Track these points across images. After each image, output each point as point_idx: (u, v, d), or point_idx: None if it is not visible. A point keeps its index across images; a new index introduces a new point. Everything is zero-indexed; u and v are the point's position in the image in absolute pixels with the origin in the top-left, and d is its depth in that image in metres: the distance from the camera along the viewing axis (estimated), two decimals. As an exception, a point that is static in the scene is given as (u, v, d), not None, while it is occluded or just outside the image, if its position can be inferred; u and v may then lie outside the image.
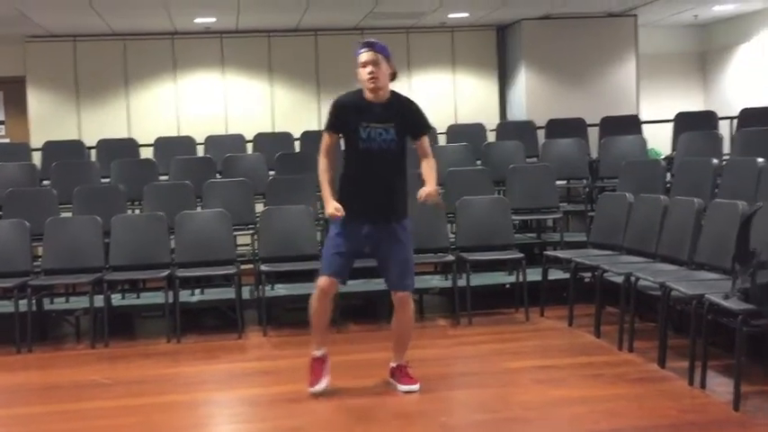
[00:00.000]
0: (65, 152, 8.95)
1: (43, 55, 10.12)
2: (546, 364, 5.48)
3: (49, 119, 10.15)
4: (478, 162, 8.72)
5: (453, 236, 7.26)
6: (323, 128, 4.89)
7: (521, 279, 6.85)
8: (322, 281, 4.74)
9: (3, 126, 10.57)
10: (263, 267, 6.73)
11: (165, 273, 6.58)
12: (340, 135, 4.81)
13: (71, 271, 6.74)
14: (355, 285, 5.82)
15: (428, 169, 4.85)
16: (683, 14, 10.69)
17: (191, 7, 8.87)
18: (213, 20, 9.58)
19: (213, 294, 7.27)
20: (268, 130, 10.14)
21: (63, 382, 5.54)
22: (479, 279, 7.14)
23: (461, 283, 6.78)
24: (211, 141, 9.43)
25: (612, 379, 5.07)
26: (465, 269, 6.76)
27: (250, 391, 5.22)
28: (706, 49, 11.88)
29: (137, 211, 8.00)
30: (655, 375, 5.08)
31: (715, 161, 7.05)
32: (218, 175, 8.41)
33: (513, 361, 5.60)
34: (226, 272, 6.77)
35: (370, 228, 4.72)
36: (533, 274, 6.92)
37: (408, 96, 4.91)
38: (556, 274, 7.10)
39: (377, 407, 4.72)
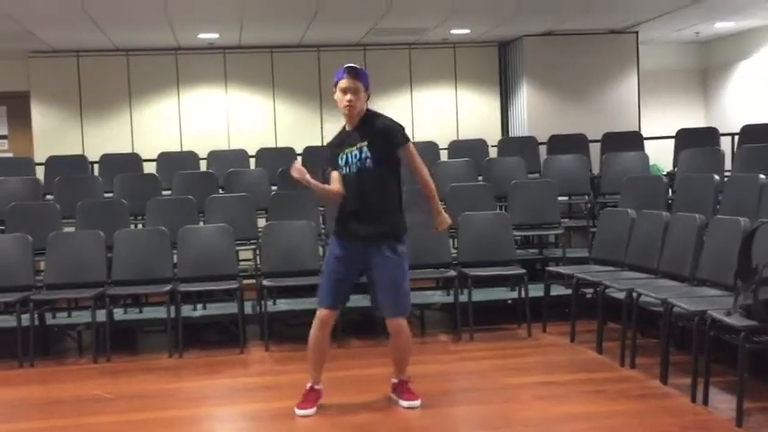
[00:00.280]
0: (68, 167, 8.98)
1: (47, 70, 10.17)
2: (548, 380, 5.47)
3: (53, 133, 10.18)
4: (480, 178, 8.74)
5: (455, 251, 7.26)
6: None
7: (522, 295, 6.85)
8: (322, 313, 4.76)
9: (6, 141, 10.61)
10: (266, 282, 6.73)
11: (168, 287, 6.59)
12: None
13: (73, 285, 6.75)
14: (356, 301, 5.81)
15: (427, 186, 4.82)
16: (684, 31, 10.73)
17: (194, 23, 8.92)
18: (216, 35, 9.62)
19: (215, 309, 7.28)
20: (271, 145, 10.18)
21: (65, 397, 5.54)
22: (481, 294, 7.14)
23: (463, 298, 6.78)
24: (214, 156, 9.46)
25: (614, 395, 5.07)
26: (467, 284, 6.77)
27: (252, 406, 5.22)
28: (707, 65, 11.92)
29: (139, 226, 8.01)
30: (657, 392, 5.07)
31: (716, 177, 7.05)
32: (220, 190, 8.43)
33: (514, 377, 5.60)
34: (228, 287, 6.78)
35: (362, 249, 4.71)
36: (535, 290, 6.93)
37: (381, 114, 4.87)
38: (558, 290, 7.10)
39: (378, 422, 4.72)
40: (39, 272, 7.04)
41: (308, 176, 4.61)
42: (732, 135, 9.39)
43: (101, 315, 6.51)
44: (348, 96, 4.65)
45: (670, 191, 7.87)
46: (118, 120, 10.34)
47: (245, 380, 5.91)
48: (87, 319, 6.62)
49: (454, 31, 9.95)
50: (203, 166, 9.38)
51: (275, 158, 9.15)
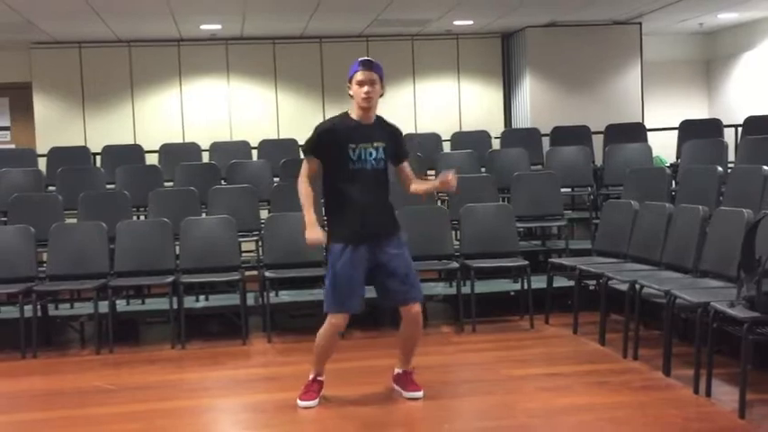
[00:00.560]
0: (70, 158, 8.98)
1: (49, 61, 10.17)
2: (550, 371, 5.47)
3: (55, 125, 10.18)
4: (483, 169, 8.72)
5: (458, 243, 7.25)
6: (303, 154, 4.83)
7: (525, 286, 6.84)
8: (336, 318, 4.67)
9: (9, 132, 10.61)
10: (268, 274, 6.73)
11: (170, 279, 6.59)
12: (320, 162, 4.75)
13: (76, 277, 6.75)
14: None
15: (423, 182, 4.98)
16: (687, 22, 10.70)
17: (196, 14, 8.90)
18: (218, 27, 9.61)
19: (218, 300, 7.29)
20: (273, 136, 10.16)
21: (67, 388, 5.55)
22: (484, 286, 7.14)
23: (466, 290, 6.77)
24: (216, 148, 9.45)
25: (617, 387, 5.06)
26: (469, 276, 6.76)
27: (254, 397, 5.22)
28: (711, 56, 11.88)
29: (142, 218, 8.01)
30: (660, 383, 5.07)
31: (720, 169, 7.04)
32: (222, 182, 8.42)
33: (517, 368, 5.59)
34: (230, 278, 6.78)
35: (371, 248, 4.68)
36: (538, 282, 6.92)
37: (392, 122, 4.91)
38: (560, 282, 7.09)
39: (381, 414, 4.72)
40: (41, 263, 7.03)
41: (323, 241, 4.69)
42: (735, 126, 9.37)
43: (103, 306, 6.52)
44: (366, 88, 4.62)
45: (673, 182, 7.85)
46: (120, 111, 10.33)
47: (247, 371, 5.91)
48: (90, 311, 6.63)
49: (457, 23, 9.93)
50: (205, 157, 9.37)
51: (277, 150, 9.15)
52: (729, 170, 7.36)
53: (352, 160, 4.65)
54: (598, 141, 9.41)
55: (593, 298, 6.44)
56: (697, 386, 4.79)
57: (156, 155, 9.32)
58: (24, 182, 8.30)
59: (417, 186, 4.94)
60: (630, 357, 5.61)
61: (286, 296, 7.30)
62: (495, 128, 10.23)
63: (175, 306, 6.53)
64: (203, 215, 7.53)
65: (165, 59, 10.34)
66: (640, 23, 10.36)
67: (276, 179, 8.40)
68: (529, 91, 10.33)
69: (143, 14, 8.75)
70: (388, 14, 9.12)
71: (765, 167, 6.53)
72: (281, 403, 4.93)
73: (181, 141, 10.09)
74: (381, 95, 4.74)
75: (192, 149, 9.43)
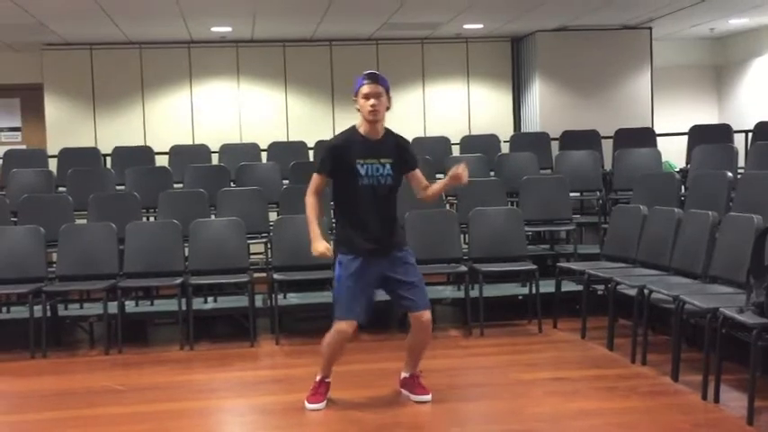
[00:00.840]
0: (81, 159, 9.02)
1: (60, 63, 10.21)
2: (559, 376, 5.47)
3: (66, 126, 10.22)
4: (492, 173, 8.73)
5: (466, 246, 7.25)
6: (316, 170, 4.83)
7: (533, 290, 6.84)
8: (343, 325, 4.68)
9: (20, 132, 10.67)
10: (276, 276, 6.74)
11: (179, 280, 6.61)
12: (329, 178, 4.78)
13: (85, 277, 6.78)
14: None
15: (436, 184, 4.96)
16: (698, 27, 10.68)
17: (207, 16, 8.93)
18: (229, 29, 9.63)
19: (226, 302, 7.30)
20: (282, 139, 10.18)
21: (76, 388, 5.56)
22: (492, 290, 7.14)
23: (474, 293, 6.77)
24: (226, 150, 9.47)
25: (625, 392, 5.05)
26: (478, 280, 6.75)
27: (262, 399, 5.23)
28: (721, 62, 11.85)
29: (151, 219, 8.04)
30: (668, 389, 5.06)
31: (730, 174, 7.02)
32: (232, 184, 8.44)
33: (525, 373, 5.59)
34: (239, 280, 6.80)
35: (380, 261, 4.70)
36: (546, 286, 6.91)
37: (401, 135, 4.90)
38: (569, 286, 7.08)
39: (388, 417, 4.72)
40: (51, 263, 7.06)
41: (328, 254, 4.71)
42: (746, 132, 9.35)
43: (112, 307, 6.55)
44: (372, 101, 4.61)
45: (683, 188, 7.83)
46: (130, 112, 10.37)
47: (255, 373, 5.92)
48: (99, 311, 6.66)
49: (467, 26, 9.93)
50: (215, 159, 9.40)
51: (287, 152, 9.16)
52: (739, 176, 7.34)
53: (361, 176, 4.66)
54: (607, 146, 9.40)
55: (602, 303, 6.42)
56: (705, 392, 4.78)
57: (166, 156, 9.35)
58: (35, 182, 8.34)
59: (430, 191, 4.92)
60: (639, 362, 5.60)
61: (294, 298, 7.31)
62: (505, 132, 10.22)
63: (184, 307, 6.54)
64: (212, 217, 7.55)
65: (176, 61, 10.38)
66: (651, 28, 10.34)
67: (285, 182, 8.41)
68: (538, 95, 10.32)
69: (154, 17, 8.78)
70: (398, 18, 9.13)
71: (775, 173, 6.51)
72: (288, 405, 4.94)
73: (191, 143, 10.13)
74: (388, 108, 4.72)
75: (201, 151, 9.46)
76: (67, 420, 4.88)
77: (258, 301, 7.03)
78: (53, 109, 10.26)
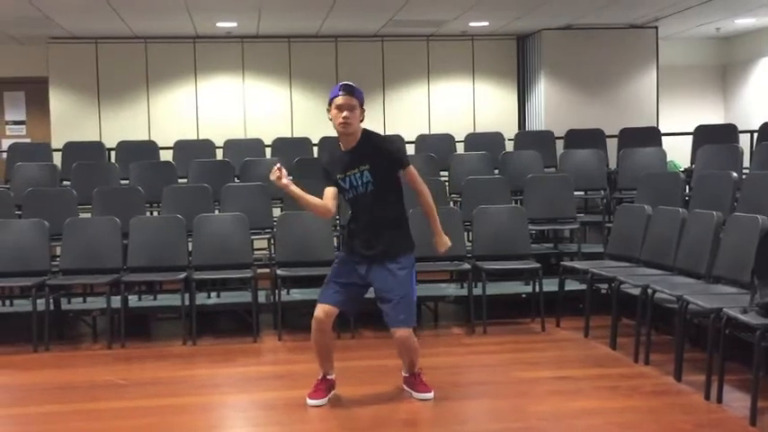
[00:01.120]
0: (85, 153, 9.01)
1: (65, 56, 10.21)
2: (561, 374, 5.46)
3: (71, 119, 10.23)
4: (496, 171, 8.72)
5: (470, 244, 7.25)
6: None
7: (537, 289, 6.83)
8: (317, 309, 4.75)
9: (24, 126, 10.68)
10: (280, 272, 6.74)
11: (182, 275, 6.61)
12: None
13: (89, 271, 6.79)
14: (370, 292, 5.82)
15: (428, 207, 4.80)
16: (704, 27, 10.65)
17: (212, 11, 8.92)
18: (234, 24, 9.63)
19: (229, 298, 7.30)
20: (287, 135, 10.18)
21: (79, 382, 5.57)
22: (495, 288, 7.13)
23: (477, 291, 6.77)
24: (230, 145, 9.47)
25: (628, 391, 5.05)
26: (481, 278, 6.75)
27: (265, 394, 5.23)
28: (727, 61, 11.83)
29: (155, 213, 8.04)
30: (671, 389, 5.06)
31: (735, 175, 7.01)
32: (236, 179, 8.44)
33: (527, 371, 5.59)
34: (242, 275, 6.81)
35: (366, 266, 4.73)
36: (550, 285, 6.90)
37: (379, 132, 4.89)
38: (572, 285, 7.06)
39: (390, 414, 4.73)
40: (55, 257, 7.07)
41: (285, 181, 4.57)
42: (751, 132, 9.33)
43: (115, 301, 6.55)
44: (344, 113, 4.56)
45: (687, 187, 7.82)
46: (135, 107, 10.37)
47: (257, 368, 5.93)
48: (102, 305, 6.66)
49: (473, 24, 9.92)
50: (219, 154, 9.40)
51: (291, 148, 9.16)
52: (744, 176, 7.33)
53: (345, 190, 4.71)
54: (612, 145, 9.39)
55: (605, 302, 6.42)
56: (708, 392, 4.77)
57: (171, 151, 9.34)
58: (39, 176, 8.34)
59: (423, 207, 4.84)
60: (642, 362, 5.60)
61: (297, 294, 7.31)
62: (509, 130, 10.21)
63: (187, 302, 6.55)
64: (216, 212, 7.56)
65: (181, 56, 10.38)
66: (657, 27, 10.32)
67: (290, 177, 8.37)
68: (543, 93, 10.31)
69: (160, 11, 8.78)
70: (404, 15, 9.12)
71: (781, 174, 6.50)
72: (291, 401, 4.94)
73: (195, 138, 10.14)
74: (361, 120, 4.67)
75: (206, 146, 9.47)
76: (70, 414, 4.88)
77: (261, 297, 7.03)
78: (58, 102, 10.26)
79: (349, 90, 4.61)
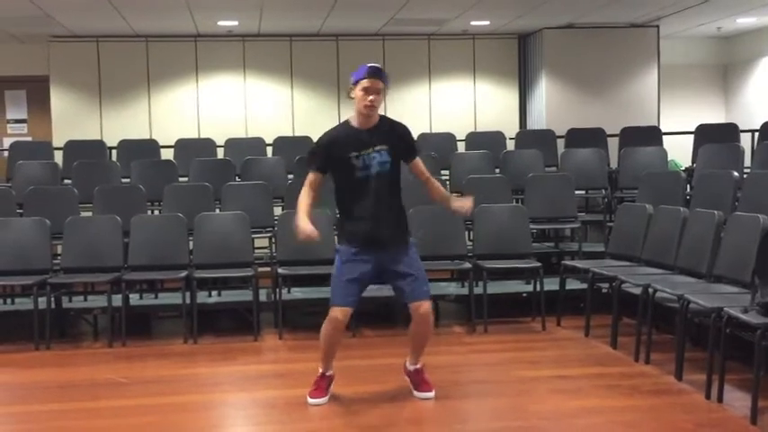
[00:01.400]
0: (86, 152, 9.02)
1: (67, 55, 10.21)
2: (562, 373, 5.46)
3: (72, 118, 10.23)
4: (497, 170, 8.72)
5: (471, 243, 7.25)
6: (309, 167, 4.80)
7: (538, 288, 6.83)
8: (336, 312, 4.69)
9: (26, 124, 10.69)
10: (281, 270, 6.75)
11: (183, 274, 6.61)
12: (326, 174, 4.76)
13: (90, 270, 6.79)
14: (371, 291, 5.83)
15: (439, 187, 4.92)
16: (705, 26, 10.65)
17: (214, 10, 8.92)
18: (236, 23, 9.63)
19: (230, 296, 7.30)
20: (288, 133, 10.19)
21: (80, 380, 5.58)
22: (496, 287, 7.13)
23: (478, 290, 6.77)
24: (231, 144, 9.48)
25: (629, 390, 5.05)
26: (482, 277, 6.75)
27: (265, 393, 5.23)
28: (728, 61, 11.82)
29: (156, 212, 8.04)
30: (671, 388, 5.06)
31: (736, 174, 7.01)
32: (237, 178, 8.45)
33: (528, 370, 5.59)
34: (243, 274, 6.81)
35: (379, 252, 4.68)
36: (550, 284, 6.90)
37: (396, 120, 4.85)
38: (573, 284, 7.07)
39: (391, 412, 4.72)
40: (56, 256, 7.08)
41: (314, 236, 4.59)
42: (752, 132, 9.33)
43: (116, 300, 6.55)
44: (371, 97, 4.58)
45: (688, 187, 7.82)
46: (136, 106, 10.37)
47: (258, 367, 5.94)
48: (103, 304, 6.66)
49: (474, 23, 9.92)
50: (220, 153, 9.41)
51: (292, 147, 9.15)
52: (745, 175, 7.33)
53: (357, 168, 4.64)
54: (613, 144, 9.39)
55: (606, 301, 6.42)
56: (709, 391, 4.77)
57: (172, 150, 9.36)
58: (40, 174, 8.35)
59: (431, 190, 4.89)
60: (642, 361, 5.60)
61: (298, 293, 7.32)
62: (510, 129, 10.21)
63: (188, 301, 6.56)
64: (217, 211, 7.56)
65: (182, 55, 10.38)
66: (658, 27, 10.32)
67: (290, 176, 8.42)
68: (545, 92, 10.31)
69: (161, 10, 8.79)
70: (405, 14, 9.12)
71: (782, 173, 6.50)
72: (291, 399, 4.94)
73: (196, 137, 10.14)
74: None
75: (207, 145, 9.47)
76: (71, 412, 4.89)
77: (262, 296, 7.04)
78: (59, 101, 10.26)
79: (377, 74, 4.62)
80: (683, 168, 9.05)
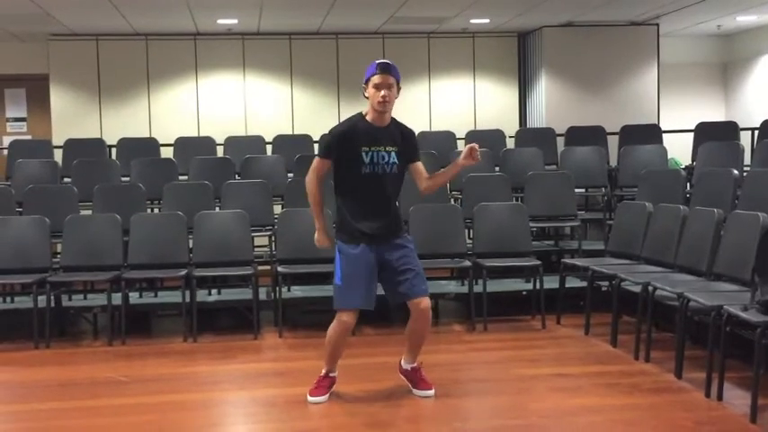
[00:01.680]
0: (86, 150, 9.02)
1: (66, 53, 10.21)
2: (561, 372, 5.46)
3: (71, 116, 10.23)
4: (497, 168, 8.72)
5: (470, 241, 7.25)
6: (318, 154, 4.87)
7: (537, 286, 6.84)
8: (344, 316, 4.70)
9: (25, 123, 10.68)
10: (281, 269, 6.74)
11: (183, 272, 6.61)
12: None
13: (90, 268, 6.78)
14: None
15: (440, 172, 4.99)
16: (705, 24, 10.64)
17: (213, 8, 8.92)
18: (235, 21, 9.63)
19: (230, 295, 7.30)
20: (288, 132, 10.18)
21: (80, 379, 5.58)
22: (496, 285, 7.14)
23: (478, 288, 6.78)
24: (231, 142, 9.47)
25: (628, 389, 5.05)
26: (481, 275, 6.76)
27: (265, 391, 5.23)
28: (728, 59, 11.82)
29: (156, 210, 8.04)
30: (671, 386, 5.06)
31: (736, 172, 7.01)
32: (237, 176, 8.44)
33: (528, 368, 5.59)
34: (243, 272, 6.81)
35: (379, 248, 4.70)
36: (550, 282, 6.90)
37: (406, 125, 4.89)
38: (573, 282, 7.08)
39: (391, 411, 4.73)
40: (55, 254, 7.08)
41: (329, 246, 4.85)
42: (752, 130, 9.32)
43: (116, 298, 6.55)
44: (383, 92, 4.60)
45: (688, 185, 7.82)
46: (136, 104, 10.37)
47: (258, 365, 5.93)
48: (103, 302, 6.66)
49: (474, 21, 9.91)
50: (220, 151, 9.40)
51: (292, 145, 9.16)
52: (745, 173, 7.33)
53: (365, 163, 4.65)
54: (613, 142, 9.39)
55: (606, 299, 6.42)
56: (709, 389, 4.77)
57: (171, 148, 9.36)
58: (40, 173, 8.35)
59: (435, 180, 4.90)
60: (642, 359, 5.60)
61: (298, 291, 7.32)
62: (510, 127, 10.22)
63: (188, 299, 6.56)
64: (217, 209, 7.56)
65: (182, 53, 10.38)
66: (658, 25, 10.31)
67: (290, 174, 8.41)
68: (544, 90, 10.31)
69: (160, 8, 8.78)
70: (405, 12, 9.12)
71: (782, 171, 6.50)
72: (291, 398, 4.94)
73: (196, 135, 10.14)
74: (396, 97, 4.74)
75: (206, 143, 9.47)
76: (70, 411, 4.89)
77: (262, 294, 7.04)
78: (59, 99, 10.26)
79: (386, 69, 4.64)
80: (683, 166, 9.04)
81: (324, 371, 4.88)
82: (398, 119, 4.86)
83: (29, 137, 10.44)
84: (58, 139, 9.62)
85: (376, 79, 4.62)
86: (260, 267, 7.07)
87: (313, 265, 6.76)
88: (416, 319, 4.77)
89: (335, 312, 4.76)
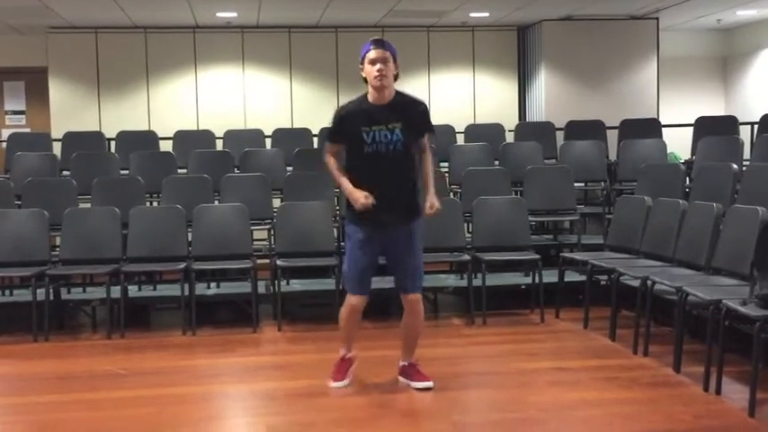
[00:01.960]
0: (85, 143, 9.00)
1: (65, 46, 10.19)
2: (560, 365, 5.47)
3: (70, 109, 10.22)
4: (496, 162, 8.71)
5: (470, 235, 7.25)
6: (327, 138, 4.90)
7: (536, 280, 6.84)
8: (354, 299, 4.76)
9: (24, 116, 10.67)
10: (280, 262, 6.74)
11: (182, 265, 6.62)
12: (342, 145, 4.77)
13: (88, 261, 6.79)
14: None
15: (427, 168, 4.78)
16: (705, 18, 10.63)
17: (213, 1, 8.90)
18: (234, 14, 9.61)
19: (229, 288, 7.31)
20: (287, 125, 10.17)
21: (78, 372, 5.58)
22: (495, 279, 7.14)
23: (477, 282, 6.77)
24: (230, 136, 9.46)
25: (627, 383, 5.06)
26: (480, 269, 6.76)
27: (264, 384, 5.23)
28: (728, 53, 11.80)
29: (155, 204, 8.04)
30: (670, 380, 5.06)
31: (735, 166, 7.00)
32: (236, 170, 8.43)
33: (527, 362, 5.59)
34: (242, 266, 6.81)
35: (384, 231, 4.69)
36: (549, 276, 6.90)
37: (415, 97, 4.83)
38: (572, 277, 7.07)
39: (390, 404, 4.73)
40: (54, 247, 7.07)
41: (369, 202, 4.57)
42: (752, 124, 9.32)
43: (115, 291, 6.55)
44: (378, 66, 4.57)
45: (687, 179, 7.82)
46: (135, 97, 10.35)
47: (257, 359, 5.93)
48: (102, 295, 6.66)
49: (473, 14, 9.90)
50: (219, 145, 9.39)
51: (291, 139, 9.16)
52: (745, 168, 7.32)
53: (367, 143, 4.62)
54: (612, 136, 9.38)
55: (605, 293, 6.42)
56: (707, 384, 4.78)
57: (170, 141, 9.33)
58: (39, 166, 8.33)
59: (424, 172, 4.80)
60: (641, 353, 5.60)
61: (297, 285, 7.32)
62: (510, 121, 10.20)
63: (187, 293, 6.56)
64: (216, 203, 7.56)
65: (181, 46, 10.36)
66: (657, 19, 10.30)
67: (289, 168, 8.41)
68: (544, 84, 10.30)
69: (159, 1, 8.76)
70: (405, 5, 9.10)
71: (781, 166, 6.49)
72: (290, 391, 4.95)
73: (195, 129, 10.13)
74: (396, 77, 4.69)
75: (206, 137, 9.46)
76: (69, 404, 4.89)
77: (261, 287, 7.03)
78: (57, 92, 10.25)
79: (380, 44, 4.64)
80: (683, 161, 9.04)
81: (341, 353, 4.89)
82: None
83: (27, 130, 10.43)
84: (57, 132, 9.61)
85: (371, 54, 4.60)
86: (259, 261, 7.07)
87: (312, 258, 6.76)
88: (408, 312, 4.82)
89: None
